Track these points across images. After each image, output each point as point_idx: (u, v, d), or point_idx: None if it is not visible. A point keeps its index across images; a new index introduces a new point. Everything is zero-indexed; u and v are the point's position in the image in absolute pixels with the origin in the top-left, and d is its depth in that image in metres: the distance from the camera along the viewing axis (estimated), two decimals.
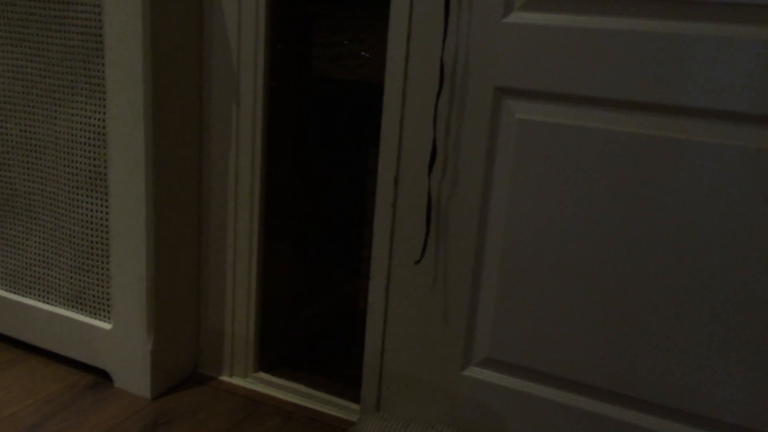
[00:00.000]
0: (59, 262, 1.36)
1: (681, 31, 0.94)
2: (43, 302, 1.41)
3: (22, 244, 1.40)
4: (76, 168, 1.29)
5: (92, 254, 1.32)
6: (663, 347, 1.03)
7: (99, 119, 1.24)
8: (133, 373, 1.33)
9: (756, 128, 0.93)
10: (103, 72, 1.21)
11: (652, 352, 1.04)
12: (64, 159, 1.30)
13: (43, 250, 1.37)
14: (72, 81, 1.25)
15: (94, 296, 1.34)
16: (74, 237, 1.33)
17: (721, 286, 0.98)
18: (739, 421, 1.01)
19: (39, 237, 1.37)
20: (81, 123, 1.26)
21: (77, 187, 1.30)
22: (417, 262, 1.17)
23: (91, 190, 1.28)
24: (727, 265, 0.97)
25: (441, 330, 1.18)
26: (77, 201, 1.30)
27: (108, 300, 1.33)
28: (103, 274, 1.32)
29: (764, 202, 0.94)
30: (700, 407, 1.03)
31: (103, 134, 1.24)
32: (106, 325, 1.34)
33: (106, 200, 1.27)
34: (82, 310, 1.36)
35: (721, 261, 0.98)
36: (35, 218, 1.36)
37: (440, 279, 1.16)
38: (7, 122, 1.34)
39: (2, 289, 1.45)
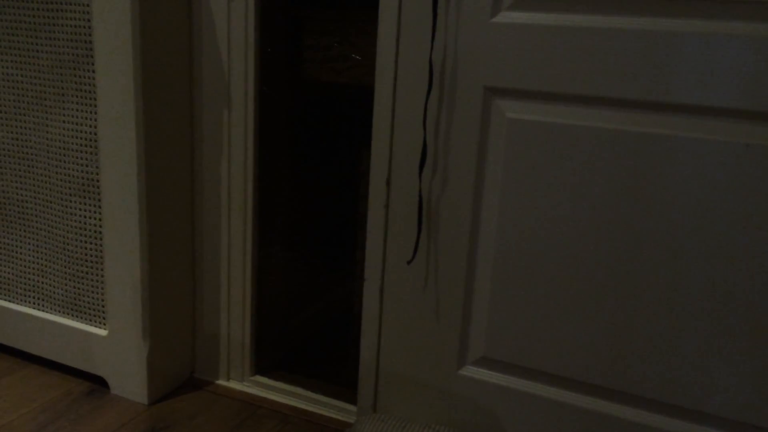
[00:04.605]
0: (53, 269, 1.36)
1: (668, 29, 0.94)
2: (38, 310, 1.41)
3: (16, 252, 1.40)
4: (69, 175, 1.29)
5: (86, 261, 1.32)
6: (657, 343, 1.04)
7: (90, 126, 1.24)
8: (129, 379, 1.33)
9: (744, 124, 0.93)
10: (93, 79, 1.21)
11: (647, 348, 1.05)
12: (57, 166, 1.29)
13: (37, 258, 1.37)
14: (62, 88, 1.25)
15: (88, 303, 1.34)
16: (68, 244, 1.33)
17: (713, 280, 0.99)
18: (734, 416, 1.02)
19: (33, 244, 1.37)
20: (72, 130, 1.26)
21: (70, 194, 1.30)
22: (409, 262, 1.17)
23: (84, 197, 1.28)
24: (718, 260, 0.98)
25: (436, 329, 1.18)
26: (70, 208, 1.30)
27: (103, 306, 1.33)
28: (97, 281, 1.32)
29: (753, 196, 0.94)
30: (695, 402, 1.04)
31: (95, 141, 1.24)
32: (102, 332, 1.34)
33: (99, 207, 1.27)
34: (77, 317, 1.36)
35: (712, 256, 0.98)
36: (28, 226, 1.36)
37: (432, 278, 1.16)
38: None
39: None
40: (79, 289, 1.34)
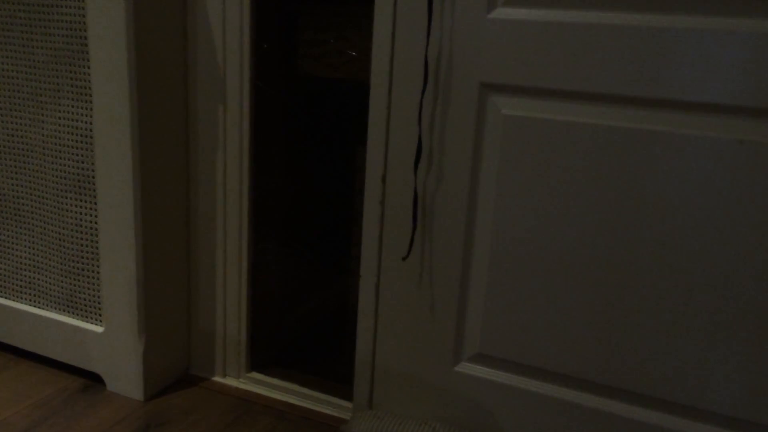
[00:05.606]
0: (49, 265, 1.36)
1: (664, 25, 0.94)
2: (34, 306, 1.40)
3: (11, 249, 1.39)
4: (64, 171, 1.28)
5: (82, 257, 1.31)
6: (653, 339, 1.04)
7: (85, 122, 1.24)
8: (125, 375, 1.33)
9: (739, 120, 0.93)
10: (88, 75, 1.21)
11: (643, 344, 1.05)
12: (52, 162, 1.29)
13: (33, 254, 1.37)
14: (57, 84, 1.25)
15: (84, 299, 1.34)
16: (63, 240, 1.32)
17: (709, 276, 0.99)
18: (730, 411, 1.02)
19: (28, 241, 1.37)
20: (67, 126, 1.26)
21: (65, 191, 1.29)
22: (404, 259, 1.17)
23: (79, 193, 1.28)
24: (713, 256, 0.98)
25: (431, 326, 1.18)
26: (65, 204, 1.30)
27: (98, 303, 1.33)
28: (93, 277, 1.32)
29: (747, 192, 0.94)
30: (692, 398, 1.04)
31: (90, 137, 1.24)
32: (98, 328, 1.33)
33: (95, 203, 1.27)
34: (72, 313, 1.36)
35: (708, 252, 0.98)
36: (24, 222, 1.36)
37: (426, 275, 1.16)
38: None
39: None
40: (74, 285, 1.34)
